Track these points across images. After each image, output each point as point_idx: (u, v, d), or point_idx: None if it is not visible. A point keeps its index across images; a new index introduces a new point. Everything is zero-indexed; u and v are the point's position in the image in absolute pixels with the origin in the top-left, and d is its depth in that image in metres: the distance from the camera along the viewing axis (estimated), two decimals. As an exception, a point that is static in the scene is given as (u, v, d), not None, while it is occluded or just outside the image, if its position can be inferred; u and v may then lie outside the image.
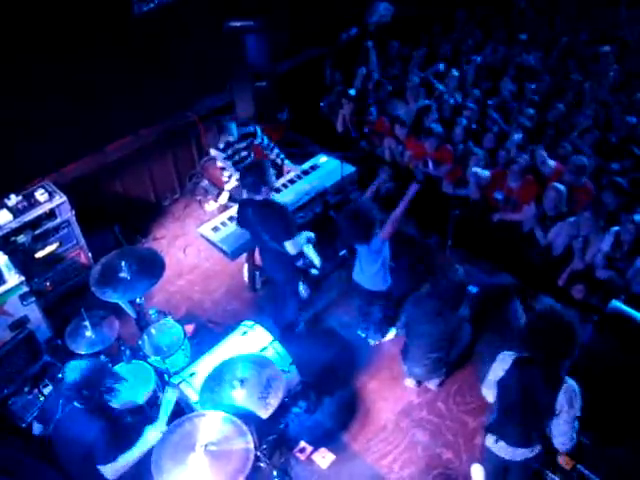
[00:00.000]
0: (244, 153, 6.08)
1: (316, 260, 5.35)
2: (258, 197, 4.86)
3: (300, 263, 5.08)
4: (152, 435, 3.76)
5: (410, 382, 5.33)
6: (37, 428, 4.57)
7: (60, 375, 3.69)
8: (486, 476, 4.44)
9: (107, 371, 3.80)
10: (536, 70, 8.15)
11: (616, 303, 4.68)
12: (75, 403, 3.62)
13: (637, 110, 7.05)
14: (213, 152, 5.97)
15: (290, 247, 4.85)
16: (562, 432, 3.56)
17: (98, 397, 3.65)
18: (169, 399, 3.95)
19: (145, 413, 4.44)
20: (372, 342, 5.75)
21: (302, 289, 5.20)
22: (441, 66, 8.40)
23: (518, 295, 5.74)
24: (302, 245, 5.04)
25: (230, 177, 6.04)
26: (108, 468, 3.62)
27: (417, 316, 4.86)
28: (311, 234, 5.13)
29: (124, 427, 4.22)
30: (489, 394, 3.91)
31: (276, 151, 6.36)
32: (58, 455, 3.79)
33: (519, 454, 3.85)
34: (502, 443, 3.86)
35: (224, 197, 6.47)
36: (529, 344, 3.54)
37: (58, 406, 3.72)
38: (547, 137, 6.82)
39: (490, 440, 3.96)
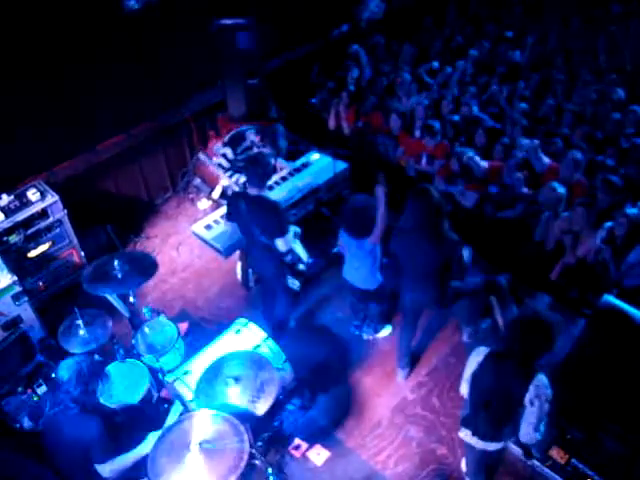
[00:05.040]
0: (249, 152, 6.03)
1: (304, 255, 5.32)
2: (252, 192, 4.86)
3: (288, 258, 5.05)
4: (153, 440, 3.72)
5: (401, 375, 5.35)
6: (27, 423, 4.56)
7: (53, 374, 3.68)
8: (467, 465, 4.49)
9: (99, 368, 3.80)
10: (523, 67, 8.15)
11: (608, 297, 4.70)
12: (70, 403, 3.61)
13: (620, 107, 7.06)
14: (223, 150, 5.83)
15: (281, 244, 4.86)
16: (528, 423, 3.57)
17: (92, 394, 3.65)
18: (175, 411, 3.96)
19: (140, 412, 4.43)
20: (366, 336, 5.76)
21: (292, 282, 5.16)
22: (435, 64, 8.39)
23: (511, 290, 5.75)
24: (292, 242, 5.05)
25: (224, 173, 5.97)
26: (105, 467, 3.62)
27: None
28: (297, 228, 5.14)
29: (119, 426, 4.22)
30: (465, 388, 3.94)
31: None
32: (52, 455, 3.78)
33: (492, 447, 3.91)
34: (474, 437, 3.92)
35: (217, 192, 6.45)
36: (508, 340, 3.66)
37: (49, 402, 3.71)
38: (539, 134, 6.80)
39: (463, 433, 4.01)
